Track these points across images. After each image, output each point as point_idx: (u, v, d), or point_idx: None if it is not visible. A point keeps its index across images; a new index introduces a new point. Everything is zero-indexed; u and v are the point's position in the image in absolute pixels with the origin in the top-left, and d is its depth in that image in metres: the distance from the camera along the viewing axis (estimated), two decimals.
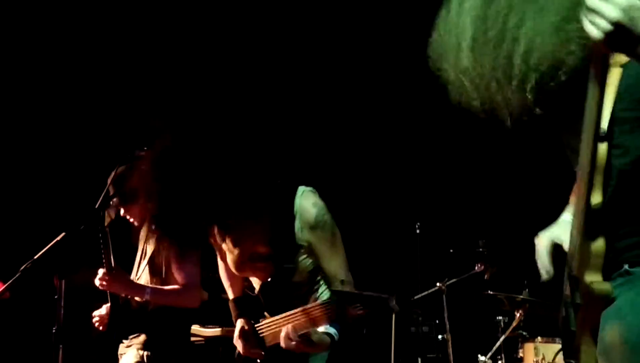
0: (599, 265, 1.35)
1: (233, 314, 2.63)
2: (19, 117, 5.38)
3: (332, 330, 2.27)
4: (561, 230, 1.57)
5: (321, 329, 2.26)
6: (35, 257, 3.11)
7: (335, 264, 2.39)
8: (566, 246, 1.52)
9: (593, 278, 1.35)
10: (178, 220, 2.45)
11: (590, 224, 1.34)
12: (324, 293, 2.45)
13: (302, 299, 2.37)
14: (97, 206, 3.16)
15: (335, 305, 2.05)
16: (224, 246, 2.57)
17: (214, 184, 2.29)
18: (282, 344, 2.26)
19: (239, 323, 2.55)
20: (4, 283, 5.16)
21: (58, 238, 3.13)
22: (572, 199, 1.72)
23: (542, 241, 1.59)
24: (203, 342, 4.16)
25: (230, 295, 2.71)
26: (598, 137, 1.32)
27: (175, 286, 3.17)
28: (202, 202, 2.30)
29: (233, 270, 2.57)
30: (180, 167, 2.36)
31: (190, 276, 3.16)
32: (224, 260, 2.67)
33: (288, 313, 2.26)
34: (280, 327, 2.28)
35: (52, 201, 5.36)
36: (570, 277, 1.38)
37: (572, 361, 1.40)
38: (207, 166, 2.31)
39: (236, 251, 2.49)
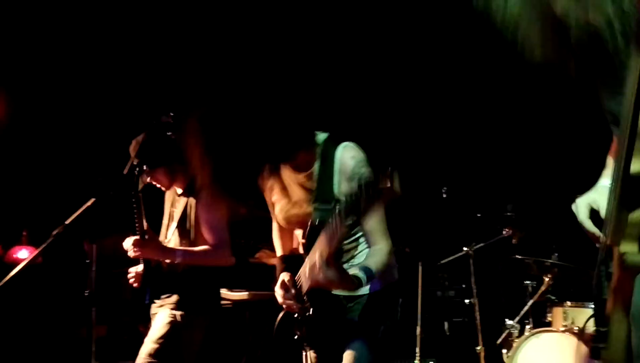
0: (634, 234, 1.31)
1: (278, 270, 2.64)
2: (51, 84, 5.43)
3: (361, 274, 2.27)
4: (599, 196, 1.53)
5: (350, 272, 2.27)
6: (66, 222, 3.17)
7: (374, 220, 2.39)
8: (603, 212, 1.49)
9: (628, 248, 1.32)
10: (230, 168, 2.48)
11: (628, 192, 1.30)
12: (362, 252, 2.45)
13: (341, 257, 2.37)
14: (124, 172, 3.21)
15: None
16: (274, 195, 2.60)
17: (261, 122, 2.36)
18: (309, 276, 2.28)
19: (282, 276, 2.56)
20: (36, 248, 5.26)
21: (88, 204, 3.19)
22: (609, 162, 1.68)
23: (581, 208, 1.55)
24: (231, 305, 4.22)
25: (279, 253, 2.73)
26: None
27: (206, 247, 3.23)
28: (252, 140, 2.34)
29: (281, 220, 2.59)
30: (228, 118, 2.40)
31: (220, 236, 3.22)
32: (275, 216, 2.68)
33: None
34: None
35: (83, 167, 5.43)
36: (605, 245, 1.36)
37: (601, 328, 1.38)
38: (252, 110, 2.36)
39: (287, 194, 2.54)
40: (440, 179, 4.90)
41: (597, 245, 1.50)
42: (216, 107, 2.44)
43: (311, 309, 2.35)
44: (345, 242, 2.45)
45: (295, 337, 2.45)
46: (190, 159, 3.19)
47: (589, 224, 1.54)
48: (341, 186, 2.40)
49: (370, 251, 2.41)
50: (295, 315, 2.44)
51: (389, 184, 1.95)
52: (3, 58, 5.21)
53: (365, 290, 2.43)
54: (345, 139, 2.50)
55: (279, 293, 2.50)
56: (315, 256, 2.19)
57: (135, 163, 3.18)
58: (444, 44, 5.11)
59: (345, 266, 2.35)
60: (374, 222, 2.40)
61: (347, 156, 2.42)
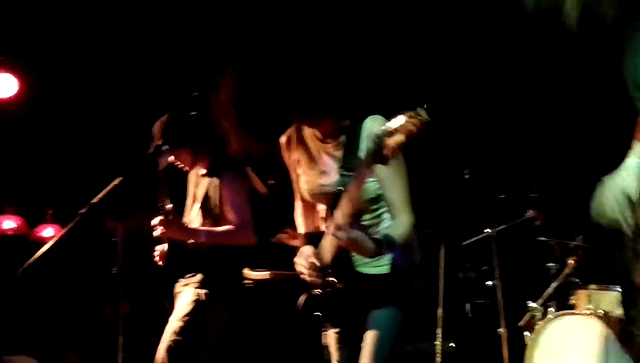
0: None
1: (300, 246, 2.62)
2: (79, 63, 5.46)
3: (382, 239, 2.27)
4: (627, 176, 1.50)
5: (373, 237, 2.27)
6: (93, 201, 3.21)
7: (397, 193, 2.38)
8: (632, 193, 1.46)
9: None
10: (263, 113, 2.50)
11: None
12: (385, 228, 2.43)
13: (364, 229, 2.36)
14: (149, 152, 3.23)
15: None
16: (300, 167, 2.60)
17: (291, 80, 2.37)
18: (330, 234, 2.28)
19: (304, 248, 2.55)
20: (61, 227, 5.34)
21: (114, 183, 3.22)
22: (634, 144, 1.64)
23: (608, 189, 1.52)
24: (252, 285, 4.25)
25: (301, 231, 2.73)
26: None
27: (229, 226, 3.26)
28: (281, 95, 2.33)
29: (307, 191, 2.58)
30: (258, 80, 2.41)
31: (243, 215, 3.26)
32: (298, 193, 2.68)
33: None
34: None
35: (108, 146, 5.47)
36: (637, 228, 1.33)
37: (634, 312, 1.36)
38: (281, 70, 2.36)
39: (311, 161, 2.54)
40: (462, 159, 4.86)
41: (624, 228, 1.47)
42: (253, 55, 2.45)
43: (334, 282, 2.34)
44: (368, 217, 2.43)
45: (317, 315, 2.45)
46: (221, 121, 3.19)
47: (622, 209, 1.50)
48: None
49: (393, 224, 2.40)
50: (317, 291, 2.44)
51: (423, 117, 1.94)
52: (32, 39, 5.26)
53: (386, 268, 2.42)
54: (375, 113, 2.49)
55: (301, 264, 2.48)
56: (337, 217, 2.19)
57: (159, 143, 3.20)
58: (470, 23, 5.05)
59: None
60: (397, 194, 2.39)
61: (375, 125, 2.41)
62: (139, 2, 5.18)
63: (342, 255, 2.34)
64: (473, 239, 4.67)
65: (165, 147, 3.21)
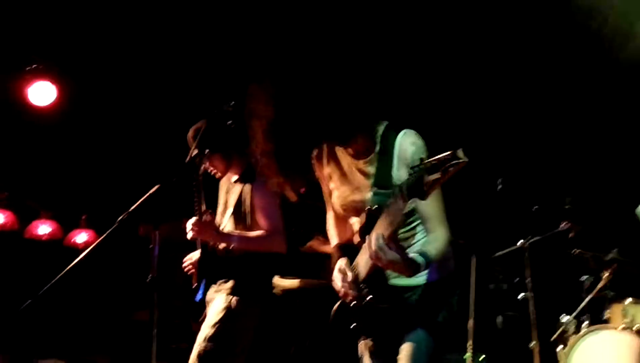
0: None
1: (334, 259, 2.62)
2: (117, 71, 5.55)
3: (419, 259, 2.24)
4: None
5: (411, 256, 2.24)
6: (131, 209, 3.24)
7: (432, 207, 2.36)
8: None
9: None
10: (298, 149, 2.51)
11: None
12: (419, 241, 2.42)
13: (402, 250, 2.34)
14: (186, 161, 3.27)
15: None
16: (332, 182, 2.60)
17: (323, 101, 2.37)
18: (368, 259, 2.26)
19: (339, 262, 2.55)
20: (95, 232, 5.40)
21: (153, 190, 3.25)
22: None
23: None
24: (281, 294, 4.25)
25: (334, 242, 2.73)
26: None
27: (261, 232, 3.27)
28: (314, 119, 2.34)
29: (339, 207, 2.58)
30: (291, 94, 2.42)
31: (274, 222, 3.27)
32: (330, 205, 2.68)
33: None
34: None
35: (142, 153, 5.54)
36: None
37: None
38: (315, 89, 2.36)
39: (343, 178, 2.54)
40: (496, 170, 4.81)
41: None
42: (282, 79, 2.46)
43: (369, 296, 2.33)
44: (402, 231, 2.42)
45: (352, 327, 2.44)
46: (252, 133, 3.21)
47: None
48: (400, 172, 2.39)
49: (428, 238, 2.38)
50: (352, 304, 2.43)
51: (462, 159, 1.93)
52: (70, 47, 5.35)
53: (422, 279, 2.40)
54: (406, 127, 2.48)
55: (337, 279, 2.49)
56: (375, 238, 2.18)
57: (195, 151, 3.24)
58: (507, 35, 5.01)
59: None
60: (433, 209, 2.37)
61: (407, 142, 2.41)
62: (178, 12, 5.24)
63: (378, 270, 2.33)
64: (505, 250, 4.61)
65: (206, 151, 3.24)
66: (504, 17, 4.89)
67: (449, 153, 1.95)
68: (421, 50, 5.19)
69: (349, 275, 2.44)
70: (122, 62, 5.50)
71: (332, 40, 4.81)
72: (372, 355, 2.52)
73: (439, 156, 1.97)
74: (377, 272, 2.33)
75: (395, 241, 2.18)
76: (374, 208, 2.33)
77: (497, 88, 5.26)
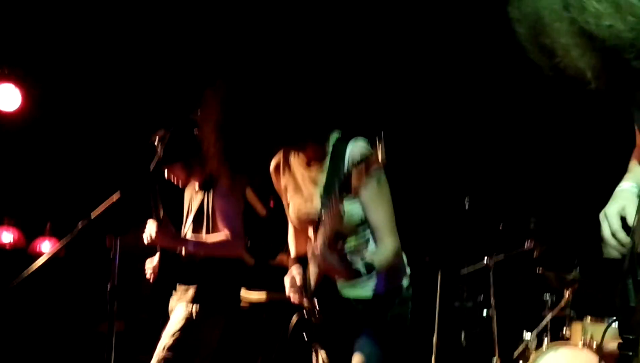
0: None
1: (290, 267, 2.63)
2: (77, 77, 5.50)
3: (360, 265, 2.29)
4: (625, 201, 1.51)
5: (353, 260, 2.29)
6: (92, 215, 3.20)
7: (381, 217, 2.38)
8: (630, 219, 1.47)
9: None
10: (248, 150, 2.49)
11: None
12: (371, 248, 2.44)
13: (344, 256, 2.36)
14: (151, 168, 3.24)
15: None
16: (289, 193, 2.61)
17: (279, 109, 2.35)
18: (313, 261, 2.30)
19: (292, 269, 2.55)
20: (59, 240, 5.30)
21: (114, 198, 3.22)
22: (632, 166, 1.65)
23: (613, 216, 1.51)
24: (247, 307, 4.23)
25: (293, 254, 2.73)
26: None
27: (218, 237, 3.23)
28: (269, 126, 2.35)
29: (294, 219, 2.59)
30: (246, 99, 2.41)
31: (234, 225, 3.23)
32: (289, 217, 2.69)
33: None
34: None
35: (106, 160, 5.48)
36: (633, 252, 1.34)
37: (629, 336, 1.36)
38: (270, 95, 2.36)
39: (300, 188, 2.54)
40: (463, 189, 4.87)
41: (609, 256, 1.48)
42: (235, 83, 2.45)
43: (318, 307, 2.35)
44: (354, 240, 2.43)
45: (306, 337, 2.45)
46: (203, 137, 3.18)
47: (622, 236, 1.50)
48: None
49: (375, 249, 2.40)
50: (306, 315, 2.44)
51: (380, 156, 1.99)
52: (34, 52, 5.29)
53: (370, 291, 2.42)
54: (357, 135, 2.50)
55: (288, 286, 2.50)
56: (317, 244, 2.21)
57: (158, 159, 3.22)
58: (470, 53, 5.09)
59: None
60: (381, 219, 2.38)
61: (356, 152, 2.41)
62: (139, 19, 5.22)
63: (327, 279, 2.35)
64: (471, 268, 4.66)
65: (169, 159, 3.22)
66: (470, 35, 4.98)
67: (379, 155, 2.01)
68: (388, 61, 5.25)
69: (298, 282, 2.45)
70: (86, 70, 5.45)
71: (287, 45, 4.83)
72: None
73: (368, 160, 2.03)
74: (326, 283, 2.35)
75: (334, 246, 2.21)
76: (318, 216, 2.37)
77: (465, 108, 5.35)
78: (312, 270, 2.40)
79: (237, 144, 2.42)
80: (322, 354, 2.53)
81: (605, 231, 1.53)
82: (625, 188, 1.55)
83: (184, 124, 3.27)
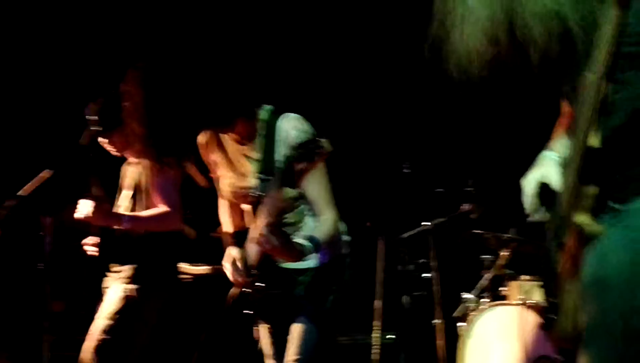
0: (587, 206, 1.32)
1: (227, 246, 2.61)
2: (5, 59, 5.28)
3: (306, 243, 2.29)
4: (547, 168, 1.55)
5: (296, 241, 2.29)
6: (23, 194, 3.09)
7: (317, 191, 2.39)
8: (554, 184, 1.50)
9: (583, 219, 1.33)
10: (171, 130, 2.45)
11: (586, 164, 1.30)
12: (308, 226, 2.45)
13: (287, 236, 2.36)
14: (83, 143, 3.14)
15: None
16: (219, 169, 2.55)
17: (202, 89, 2.33)
18: (255, 246, 2.29)
19: (229, 250, 2.54)
20: None
21: (44, 175, 3.11)
22: (556, 135, 1.68)
23: (529, 183, 1.57)
24: (191, 280, 4.19)
25: (228, 229, 2.71)
26: (607, 73, 1.24)
27: (154, 211, 3.16)
28: (193, 106, 2.32)
29: (228, 195, 2.56)
30: (167, 78, 2.37)
31: (169, 199, 3.16)
32: (221, 192, 2.66)
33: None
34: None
35: (39, 137, 5.30)
36: (558, 216, 1.37)
37: (554, 300, 1.40)
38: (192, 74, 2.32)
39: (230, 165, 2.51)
40: (402, 154, 4.92)
41: (529, 220, 1.53)
42: (158, 62, 2.40)
43: (259, 283, 2.35)
44: (290, 215, 2.44)
45: (247, 312, 2.45)
46: (125, 116, 3.10)
47: (531, 200, 1.55)
48: (284, 156, 2.40)
49: (316, 222, 2.41)
50: (244, 290, 2.44)
51: (327, 148, 1.99)
52: None
53: (312, 262, 2.43)
54: (295, 112, 2.48)
55: (227, 268, 2.49)
56: (259, 225, 2.20)
57: (92, 130, 3.13)
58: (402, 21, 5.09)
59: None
60: (317, 192, 2.40)
61: (290, 126, 2.41)
62: None
63: (267, 255, 2.35)
64: (411, 232, 4.73)
65: (98, 131, 3.12)
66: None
67: (314, 140, 2.01)
68: (310, 34, 5.22)
69: (239, 262, 2.44)
70: (12, 47, 5.24)
71: (210, 24, 4.76)
72: (271, 338, 2.54)
73: (302, 143, 2.03)
74: (266, 257, 2.35)
75: (278, 228, 2.21)
76: (257, 194, 2.36)
77: (401, 69, 5.36)
78: (253, 249, 2.38)
79: (159, 129, 2.39)
80: (263, 327, 2.54)
81: (524, 197, 1.58)
82: (546, 155, 1.59)
83: (114, 94, 3.17)
